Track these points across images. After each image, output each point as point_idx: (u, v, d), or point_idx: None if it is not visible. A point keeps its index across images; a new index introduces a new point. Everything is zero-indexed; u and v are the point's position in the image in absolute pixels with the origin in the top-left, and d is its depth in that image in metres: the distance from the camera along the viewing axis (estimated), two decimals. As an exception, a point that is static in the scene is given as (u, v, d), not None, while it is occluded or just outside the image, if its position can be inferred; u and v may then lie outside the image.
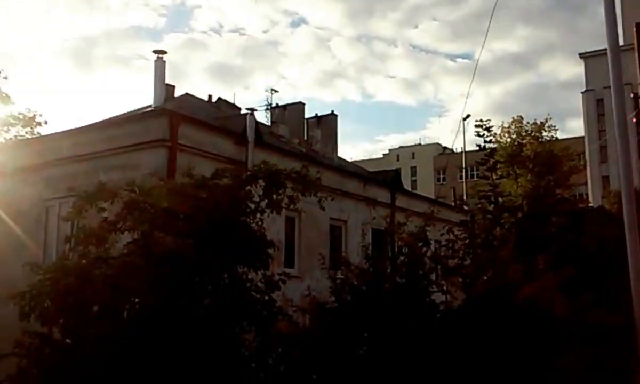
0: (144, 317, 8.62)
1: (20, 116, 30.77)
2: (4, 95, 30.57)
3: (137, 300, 9.09)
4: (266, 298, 9.70)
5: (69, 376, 8.75)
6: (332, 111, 24.69)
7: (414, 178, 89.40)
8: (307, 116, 23.89)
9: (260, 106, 23.06)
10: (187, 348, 8.88)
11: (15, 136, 29.96)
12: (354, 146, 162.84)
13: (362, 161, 70.10)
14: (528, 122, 39.25)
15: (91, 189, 9.62)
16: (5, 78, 30.61)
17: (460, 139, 55.48)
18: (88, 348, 8.62)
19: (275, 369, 9.39)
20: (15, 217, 15.49)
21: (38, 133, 29.83)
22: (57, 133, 16.93)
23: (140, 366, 8.33)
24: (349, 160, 28.90)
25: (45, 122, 31.27)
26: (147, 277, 8.47)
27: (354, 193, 19.44)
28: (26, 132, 30.42)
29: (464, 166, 42.56)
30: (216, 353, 8.97)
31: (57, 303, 9.16)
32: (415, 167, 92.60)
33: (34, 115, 31.16)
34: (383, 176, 24.83)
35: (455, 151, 62.42)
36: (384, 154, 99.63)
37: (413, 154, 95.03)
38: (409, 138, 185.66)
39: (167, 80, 18.97)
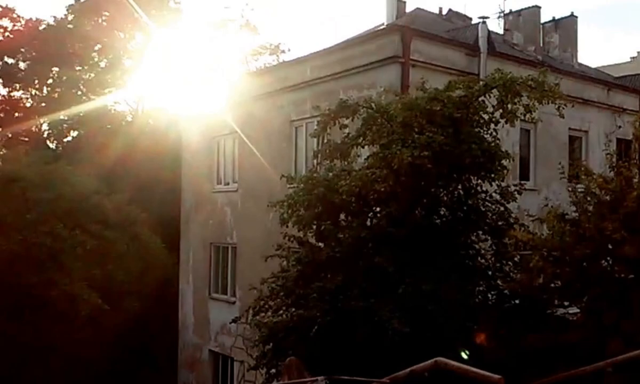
0: (386, 223, 9.30)
1: (267, 45, 33.71)
2: (252, 26, 33.66)
3: (378, 208, 9.85)
4: (501, 208, 9.79)
5: (320, 273, 9.93)
6: (572, 13, 22.63)
7: (672, 81, 77.82)
8: (543, 20, 22.25)
9: (493, 14, 22.07)
10: (426, 254, 9.46)
11: (264, 64, 32.99)
12: (597, 51, 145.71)
13: (607, 66, 62.92)
14: None
15: (333, 107, 10.46)
16: (252, 10, 33.51)
17: None
18: (337, 250, 9.62)
19: (511, 275, 9.53)
20: (269, 136, 17.44)
21: (282, 60, 32.39)
22: (299, 58, 18.29)
23: (382, 267, 9.10)
24: (591, 66, 26.37)
25: (289, 50, 33.87)
26: (387, 188, 9.06)
27: (596, 101, 17.90)
28: (272, 60, 33.28)
29: None
30: (453, 260, 9.40)
31: (310, 210, 10.37)
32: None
33: (278, 44, 33.93)
34: (631, 81, 22.27)
35: None
36: (631, 57, 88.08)
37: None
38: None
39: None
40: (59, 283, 14.53)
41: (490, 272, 9.80)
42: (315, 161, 11.16)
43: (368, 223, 10.03)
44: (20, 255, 13.85)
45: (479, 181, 9.73)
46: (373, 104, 10.05)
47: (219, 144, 20.22)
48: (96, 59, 31.06)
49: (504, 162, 9.63)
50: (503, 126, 9.83)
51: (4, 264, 13.31)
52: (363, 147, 10.28)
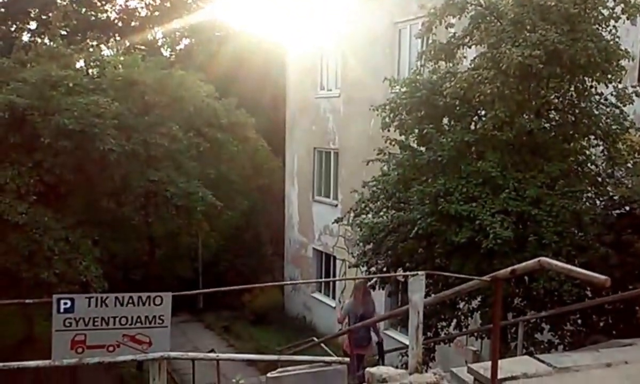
0: (492, 127, 9.12)
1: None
2: None
3: (483, 112, 9.65)
4: (616, 111, 9.28)
5: (421, 176, 10.01)
6: None
7: None
8: None
9: None
10: (532, 159, 9.26)
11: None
12: None
13: None
14: None
15: (439, 6, 10.12)
16: None
17: None
18: (439, 154, 9.58)
19: (623, 181, 9.15)
20: (373, 40, 17.25)
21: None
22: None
23: (485, 171, 9.03)
24: None
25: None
26: (494, 90, 8.81)
27: None
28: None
29: None
30: (561, 165, 9.14)
31: (412, 114, 10.32)
32: None
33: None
34: None
35: None
36: None
37: None
38: None
39: None
40: (176, 181, 15.59)
41: (600, 179, 9.46)
42: (418, 63, 10.95)
43: (472, 127, 9.89)
44: (141, 154, 14.92)
45: (594, 82, 9.20)
46: (482, 1, 9.62)
47: (322, 50, 20.28)
48: (204, -35, 31.46)
49: (622, 62, 9.02)
50: (624, 23, 9.14)
51: (127, 161, 14.41)
52: (470, 47, 9.97)
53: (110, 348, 4.21)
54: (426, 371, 5.12)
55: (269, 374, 4.25)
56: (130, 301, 4.23)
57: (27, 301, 4.06)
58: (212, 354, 5.88)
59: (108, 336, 4.19)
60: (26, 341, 16.23)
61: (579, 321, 9.22)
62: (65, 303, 4.16)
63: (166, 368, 4.05)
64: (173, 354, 4.24)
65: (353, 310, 9.54)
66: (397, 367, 6.37)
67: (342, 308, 9.76)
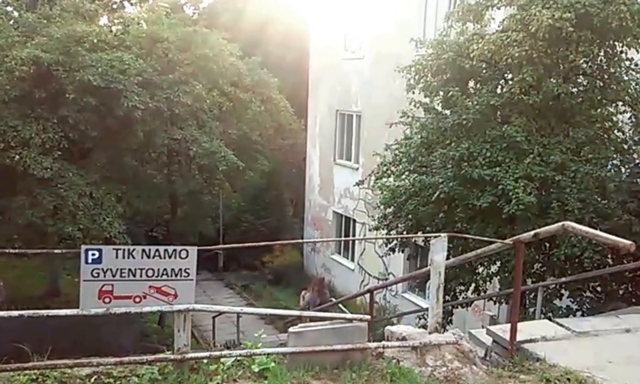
0: (519, 91, 8.98)
1: None
2: None
3: (510, 75, 9.50)
4: (647, 76, 9.09)
5: (445, 140, 9.94)
6: None
7: None
8: None
9: None
10: (559, 124, 9.13)
11: None
12: None
13: None
14: None
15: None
16: None
17: None
18: (464, 117, 9.48)
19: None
20: (398, 0, 16.98)
21: None
22: None
23: (511, 136, 8.94)
24: None
25: None
26: (522, 53, 8.66)
27: None
28: None
29: None
30: (587, 131, 9.01)
31: (438, 76, 10.19)
32: None
33: None
34: None
35: None
36: None
37: None
38: None
39: None
40: (199, 140, 15.63)
41: (626, 146, 9.32)
42: (446, 24, 10.76)
43: (498, 90, 9.76)
44: (164, 112, 14.95)
45: (625, 47, 9.00)
46: (512, -38, 9.40)
47: (347, 10, 20.02)
48: None
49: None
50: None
51: (150, 119, 14.45)
52: (499, 8, 9.78)
53: (137, 299, 4.27)
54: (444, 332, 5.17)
55: (290, 329, 4.31)
56: (157, 253, 4.28)
57: (55, 250, 4.13)
58: (235, 308, 5.97)
59: (135, 287, 4.25)
60: (51, 294, 16.64)
61: (599, 288, 9.20)
62: (93, 254, 4.22)
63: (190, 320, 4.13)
64: (198, 306, 4.31)
65: (312, 300, 10.86)
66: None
67: (304, 299, 11.19)
